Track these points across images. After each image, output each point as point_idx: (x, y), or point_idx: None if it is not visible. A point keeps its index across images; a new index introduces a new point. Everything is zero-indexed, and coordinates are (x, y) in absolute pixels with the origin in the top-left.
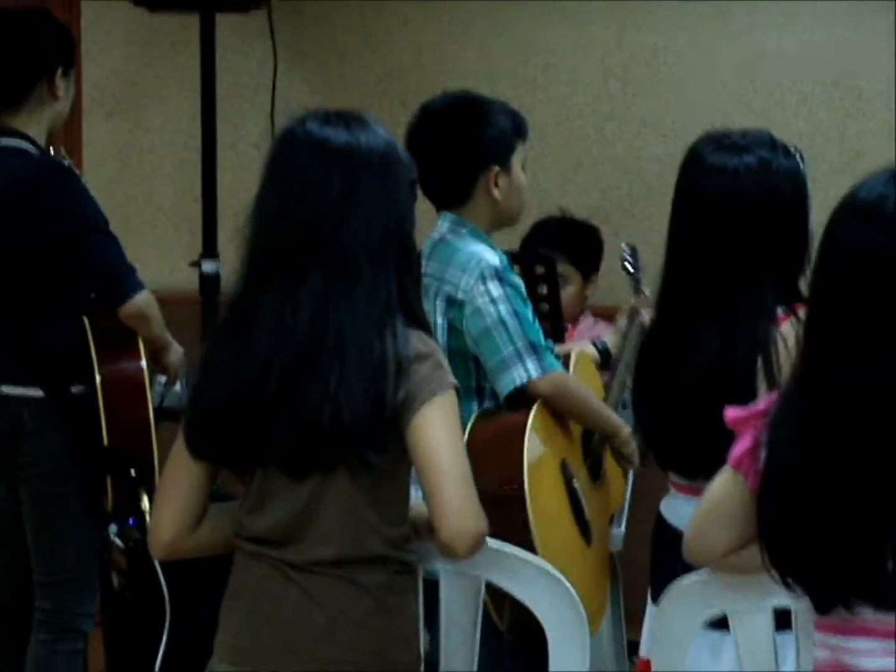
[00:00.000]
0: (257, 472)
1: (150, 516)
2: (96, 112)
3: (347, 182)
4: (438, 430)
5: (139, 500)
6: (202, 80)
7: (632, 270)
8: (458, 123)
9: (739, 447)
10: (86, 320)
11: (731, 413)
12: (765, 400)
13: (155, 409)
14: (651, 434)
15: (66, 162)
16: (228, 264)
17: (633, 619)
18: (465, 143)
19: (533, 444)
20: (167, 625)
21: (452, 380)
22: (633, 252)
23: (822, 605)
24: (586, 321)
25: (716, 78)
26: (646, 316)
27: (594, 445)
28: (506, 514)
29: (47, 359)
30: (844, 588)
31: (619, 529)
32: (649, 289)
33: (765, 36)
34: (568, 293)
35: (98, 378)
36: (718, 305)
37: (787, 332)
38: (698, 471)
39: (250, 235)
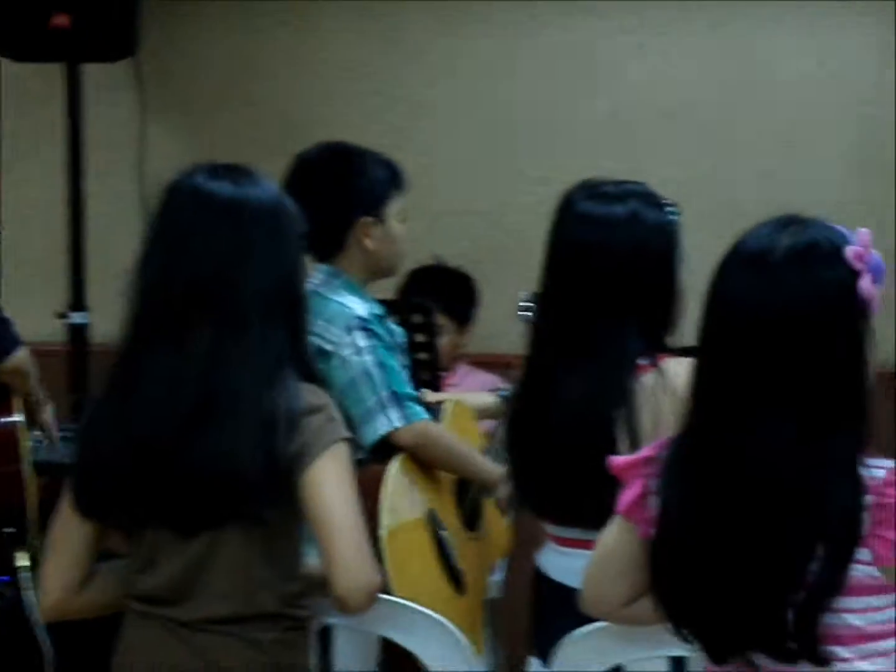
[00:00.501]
0: (147, 529)
1: (38, 577)
2: None
3: (236, 236)
4: (331, 484)
5: (14, 558)
6: (68, 130)
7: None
8: (331, 173)
9: (628, 495)
10: None
11: (617, 461)
12: (649, 447)
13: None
14: (523, 481)
15: None
16: (96, 316)
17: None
18: (337, 192)
19: (393, 495)
20: None
21: (345, 432)
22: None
23: (718, 656)
24: (461, 370)
25: (585, 127)
26: None
27: (471, 495)
28: None
29: None
30: (742, 639)
31: (494, 577)
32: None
33: (635, 86)
34: (444, 342)
35: None
36: (583, 353)
37: (649, 382)
38: (571, 518)
39: (137, 290)
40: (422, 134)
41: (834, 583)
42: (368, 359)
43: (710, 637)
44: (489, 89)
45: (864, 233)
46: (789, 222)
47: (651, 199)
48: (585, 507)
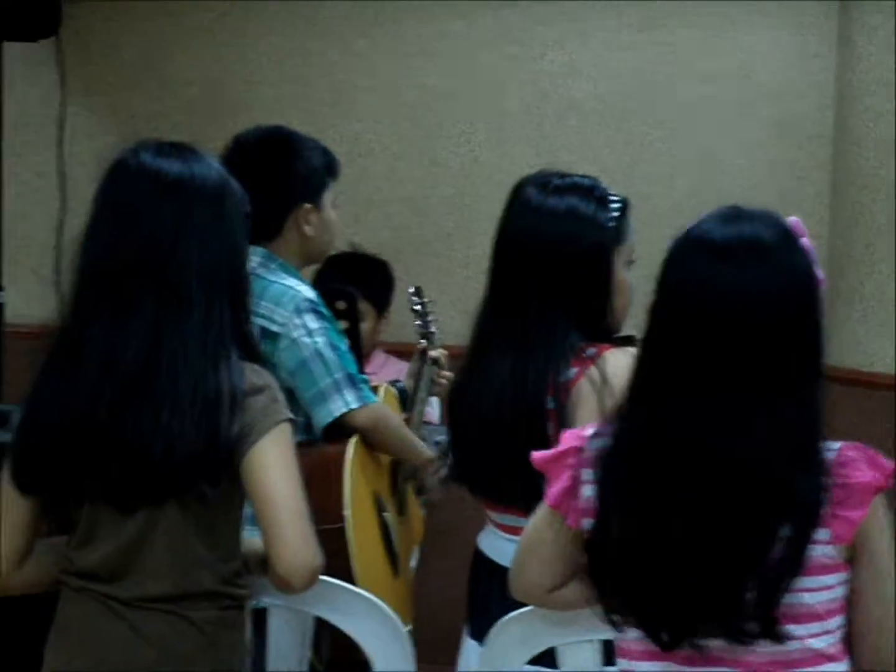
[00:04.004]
0: (85, 506)
1: None
2: None
3: (181, 213)
4: (274, 464)
5: None
6: None
7: (418, 310)
8: (271, 158)
9: (556, 487)
10: None
11: (539, 456)
12: (571, 438)
13: None
14: (461, 464)
15: None
16: (11, 295)
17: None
18: (277, 178)
19: (352, 477)
20: None
21: (288, 413)
22: (418, 292)
23: (668, 643)
24: (378, 357)
25: (504, 121)
26: (435, 354)
27: (401, 480)
28: (325, 546)
29: None
30: (697, 624)
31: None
32: (436, 327)
33: (552, 82)
34: (364, 329)
35: None
36: (513, 341)
37: (592, 375)
38: (505, 502)
39: (80, 265)
40: (344, 122)
41: (797, 563)
42: (320, 340)
43: (661, 624)
44: (412, 79)
45: (797, 221)
46: (741, 212)
47: (592, 194)
48: (517, 492)
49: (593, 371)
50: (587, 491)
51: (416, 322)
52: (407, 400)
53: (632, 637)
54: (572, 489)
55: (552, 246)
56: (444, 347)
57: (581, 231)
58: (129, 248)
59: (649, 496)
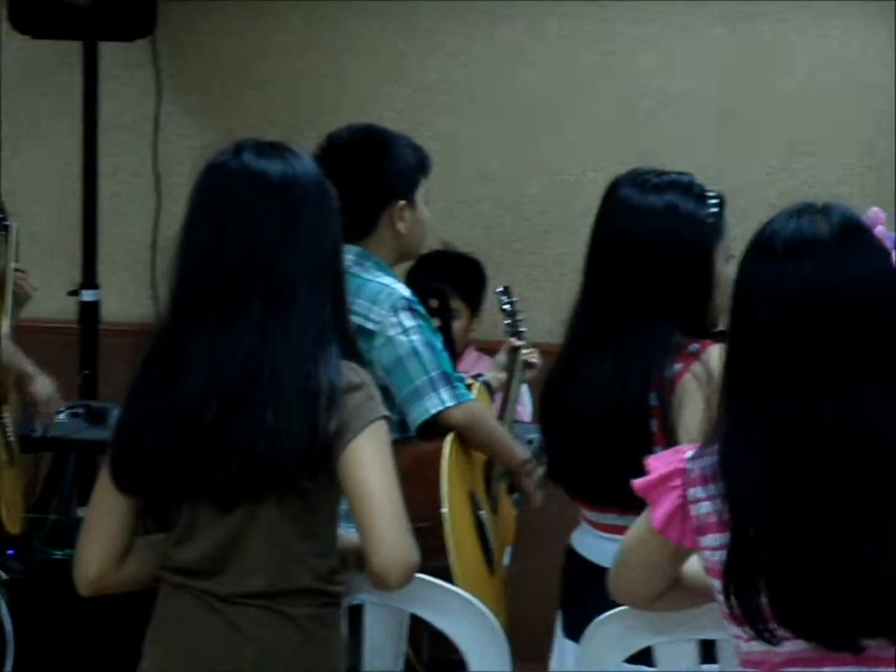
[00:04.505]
0: (185, 504)
1: (76, 552)
2: None
3: (287, 214)
4: (370, 461)
5: None
6: (84, 108)
7: (508, 309)
8: (365, 156)
9: (662, 511)
10: None
11: (641, 483)
12: (671, 461)
13: (34, 439)
14: (556, 463)
15: None
16: (106, 293)
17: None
18: (371, 176)
19: (449, 475)
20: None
21: (384, 410)
22: (507, 291)
23: (837, 645)
24: (470, 355)
25: (597, 118)
26: (525, 352)
27: (494, 479)
28: (423, 543)
29: None
30: (864, 624)
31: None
32: (525, 325)
33: (646, 76)
34: (456, 327)
35: None
36: (614, 339)
37: (696, 372)
38: (603, 501)
39: (180, 267)
40: (436, 121)
41: None
42: (416, 338)
43: (825, 628)
44: (504, 77)
45: (877, 211)
46: (807, 208)
47: (691, 191)
48: (618, 491)
49: (697, 367)
50: (701, 508)
51: (506, 321)
52: (492, 392)
53: (794, 648)
54: (681, 510)
55: (654, 244)
56: (538, 345)
57: (682, 228)
58: (236, 251)
59: (804, 499)
